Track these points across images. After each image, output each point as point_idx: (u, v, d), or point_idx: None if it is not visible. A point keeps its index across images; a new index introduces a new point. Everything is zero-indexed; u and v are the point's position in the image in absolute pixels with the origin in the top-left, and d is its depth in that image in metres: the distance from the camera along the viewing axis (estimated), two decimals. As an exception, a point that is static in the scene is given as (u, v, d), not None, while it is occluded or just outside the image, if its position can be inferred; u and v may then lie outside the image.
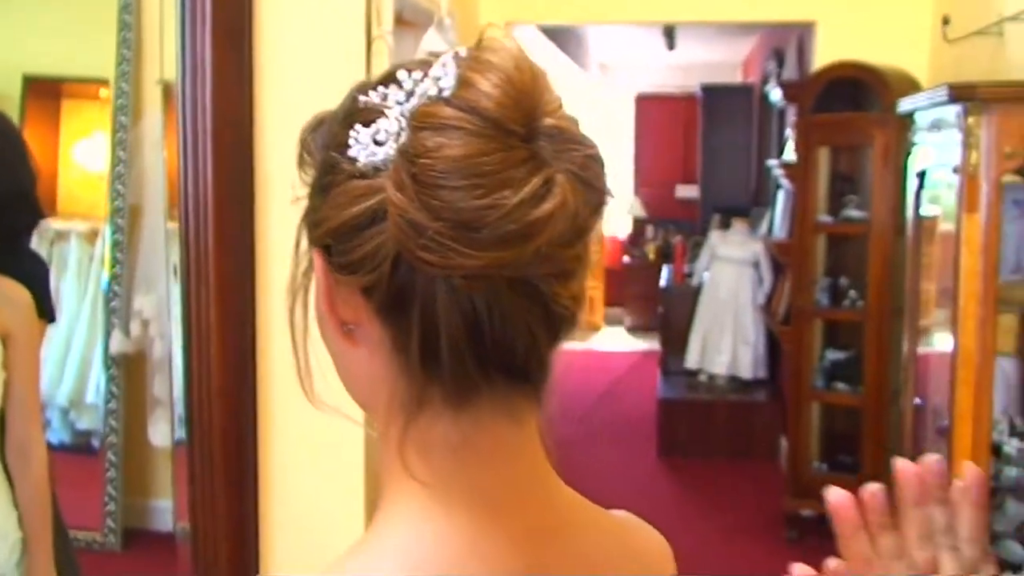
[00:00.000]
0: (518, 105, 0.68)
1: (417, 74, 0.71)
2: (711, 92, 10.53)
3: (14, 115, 3.37)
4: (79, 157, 3.76)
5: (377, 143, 0.70)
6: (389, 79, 0.72)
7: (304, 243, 0.77)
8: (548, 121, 0.69)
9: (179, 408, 2.67)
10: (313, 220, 0.76)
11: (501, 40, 0.71)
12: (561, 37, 8.91)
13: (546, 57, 9.89)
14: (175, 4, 2.14)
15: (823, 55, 5.33)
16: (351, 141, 0.71)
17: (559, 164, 0.69)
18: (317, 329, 0.80)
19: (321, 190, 0.75)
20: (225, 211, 2.10)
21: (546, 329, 0.74)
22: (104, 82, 3.63)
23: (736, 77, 11.43)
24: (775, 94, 6.49)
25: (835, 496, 0.82)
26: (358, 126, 0.71)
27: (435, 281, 0.69)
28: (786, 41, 7.27)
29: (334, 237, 0.73)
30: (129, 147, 3.60)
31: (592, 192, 0.71)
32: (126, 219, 3.61)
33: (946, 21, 4.57)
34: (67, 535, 2.61)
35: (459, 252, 0.66)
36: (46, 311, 2.57)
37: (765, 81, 8.00)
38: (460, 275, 0.68)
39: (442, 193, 0.66)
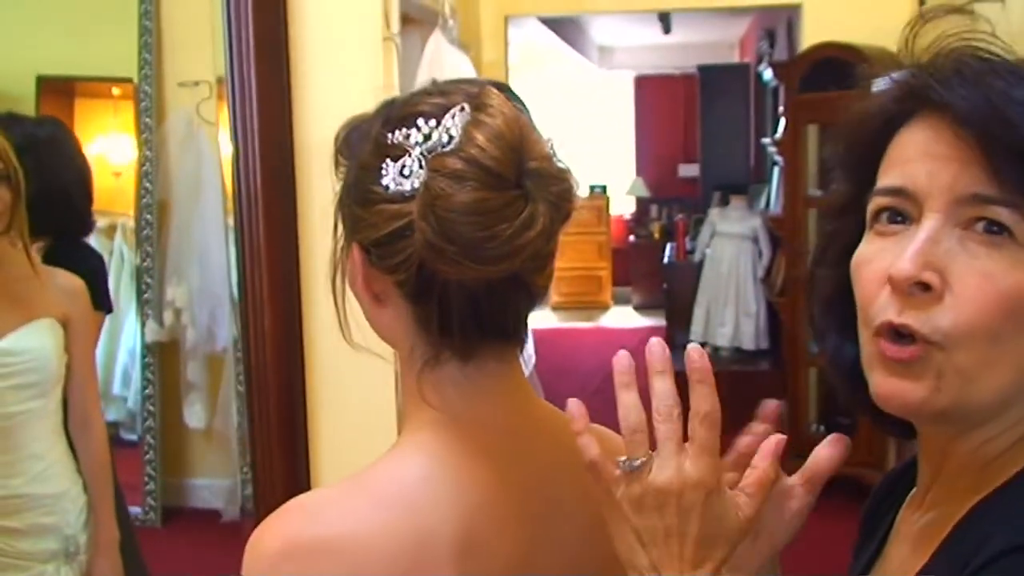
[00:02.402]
0: (508, 158, 0.94)
1: (432, 122, 0.97)
2: (708, 72, 10.63)
3: (29, 114, 3.44)
4: (95, 155, 3.91)
5: (404, 176, 0.96)
6: (410, 121, 0.98)
7: (340, 227, 1.06)
8: (532, 165, 0.96)
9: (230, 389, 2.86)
10: (353, 223, 1.04)
11: (497, 100, 0.98)
12: (560, 25, 9.10)
13: (546, 46, 10.08)
14: (220, 17, 2.38)
15: (810, 35, 5.52)
16: (383, 172, 0.98)
17: (540, 197, 0.95)
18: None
19: (360, 202, 1.01)
20: (274, 208, 2.34)
21: (528, 303, 1.05)
22: (123, 81, 3.78)
23: (734, 56, 11.53)
24: (767, 74, 6.70)
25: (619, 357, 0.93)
26: (388, 161, 0.98)
27: (449, 280, 0.97)
28: (777, 21, 7.47)
29: (374, 245, 1.01)
30: (155, 146, 3.78)
31: (563, 211, 0.99)
32: (154, 214, 3.79)
33: (922, 1, 4.76)
34: (123, 501, 2.85)
35: (468, 266, 0.94)
36: (103, 303, 2.80)
37: (759, 61, 8.19)
38: (469, 279, 0.96)
39: (455, 226, 0.93)
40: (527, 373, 3.65)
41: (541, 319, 11.09)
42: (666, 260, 8.71)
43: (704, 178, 10.32)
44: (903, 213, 0.88)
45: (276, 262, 2.32)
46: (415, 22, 3.81)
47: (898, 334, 0.86)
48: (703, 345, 7.53)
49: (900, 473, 1.04)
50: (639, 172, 12.44)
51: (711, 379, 0.90)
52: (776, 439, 0.97)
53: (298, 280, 2.36)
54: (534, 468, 1.07)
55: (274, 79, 2.32)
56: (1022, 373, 0.85)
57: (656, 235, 11.49)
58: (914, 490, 1.00)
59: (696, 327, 7.56)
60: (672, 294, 8.16)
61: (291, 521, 0.99)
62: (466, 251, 0.93)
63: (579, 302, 11.92)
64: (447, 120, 0.96)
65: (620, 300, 12.06)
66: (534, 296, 1.04)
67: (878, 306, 0.87)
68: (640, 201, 12.32)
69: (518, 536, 1.03)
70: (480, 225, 0.92)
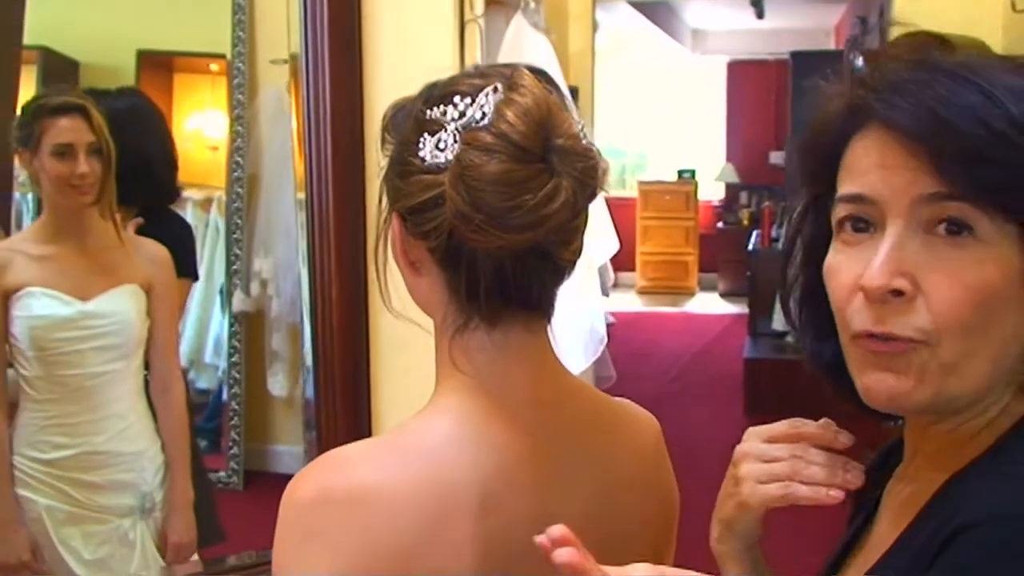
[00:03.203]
0: (535, 133, 1.01)
1: (467, 100, 1.04)
2: (801, 58, 10.48)
3: (110, 87, 3.63)
4: (192, 129, 4.02)
5: (439, 149, 1.04)
6: (448, 100, 1.05)
7: (384, 201, 1.13)
8: (558, 142, 1.02)
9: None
10: (393, 194, 1.11)
11: (528, 81, 1.05)
12: (652, 8, 9.09)
13: (638, 29, 10.06)
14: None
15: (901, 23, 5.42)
16: (421, 145, 1.05)
17: (565, 172, 1.02)
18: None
19: (400, 174, 1.09)
20: (343, 185, 2.41)
21: (553, 276, 1.11)
22: (218, 57, 3.88)
23: (829, 43, 11.39)
24: (857, 62, 6.62)
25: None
26: (426, 135, 1.05)
27: (477, 248, 1.04)
28: (871, 8, 7.38)
29: (409, 213, 1.09)
30: (246, 122, 3.87)
31: (588, 187, 1.05)
32: (244, 188, 3.89)
33: (1014, -8, 4.65)
34: (201, 461, 2.96)
35: (494, 235, 1.01)
36: (189, 271, 2.91)
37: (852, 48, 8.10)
38: (495, 247, 1.02)
39: (483, 195, 1.00)
40: (597, 354, 3.67)
41: (626, 302, 11.10)
42: (750, 247, 8.65)
43: (794, 165, 10.17)
44: (866, 220, 0.92)
45: (344, 236, 2.40)
46: (500, 4, 3.83)
47: (875, 337, 0.90)
48: (783, 335, 7.49)
49: (892, 448, 1.08)
50: (729, 158, 12.37)
51: None
52: None
53: (364, 253, 2.43)
54: (554, 436, 1.13)
55: (347, 58, 2.39)
56: (996, 363, 0.89)
57: (744, 222, 11.43)
58: (901, 464, 1.05)
59: (778, 315, 7.50)
60: (755, 281, 8.10)
61: (325, 471, 1.07)
62: (492, 219, 0.99)
63: (665, 287, 11.92)
64: (481, 98, 1.03)
65: (706, 286, 12.02)
66: (560, 270, 1.10)
67: (851, 312, 0.92)
68: (729, 187, 12.25)
69: (536, 500, 1.09)
70: (506, 195, 0.99)
